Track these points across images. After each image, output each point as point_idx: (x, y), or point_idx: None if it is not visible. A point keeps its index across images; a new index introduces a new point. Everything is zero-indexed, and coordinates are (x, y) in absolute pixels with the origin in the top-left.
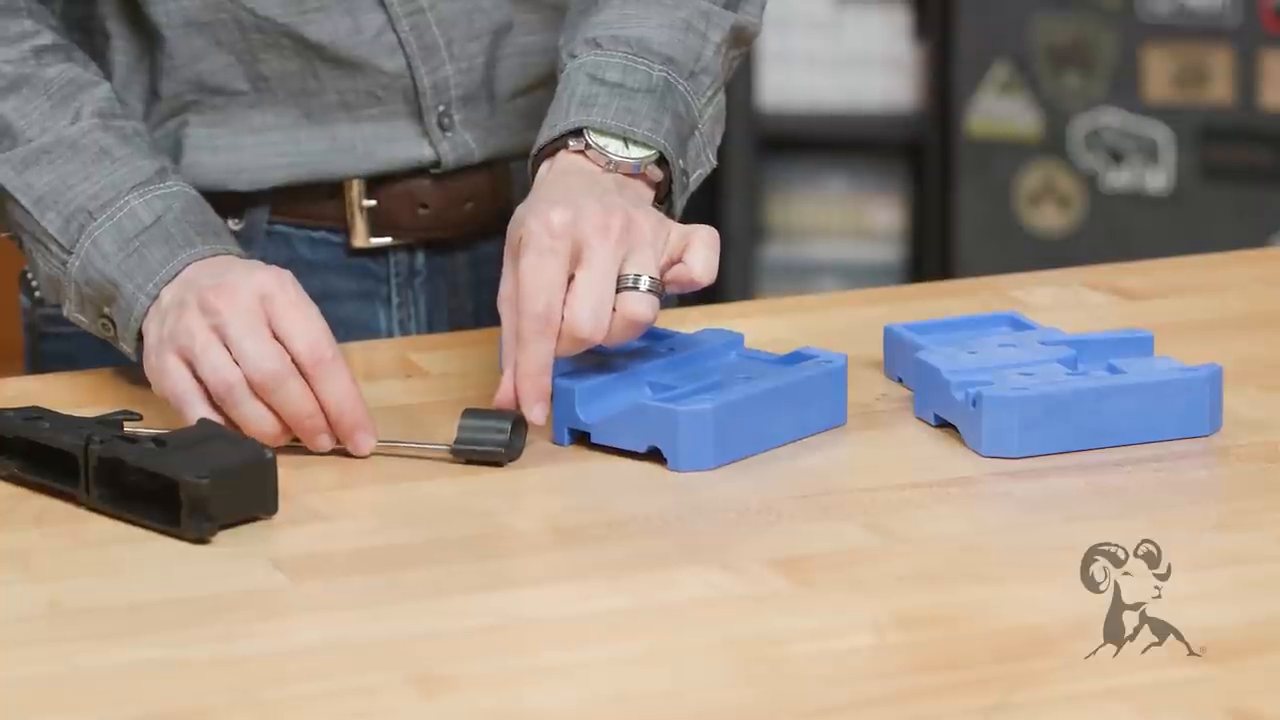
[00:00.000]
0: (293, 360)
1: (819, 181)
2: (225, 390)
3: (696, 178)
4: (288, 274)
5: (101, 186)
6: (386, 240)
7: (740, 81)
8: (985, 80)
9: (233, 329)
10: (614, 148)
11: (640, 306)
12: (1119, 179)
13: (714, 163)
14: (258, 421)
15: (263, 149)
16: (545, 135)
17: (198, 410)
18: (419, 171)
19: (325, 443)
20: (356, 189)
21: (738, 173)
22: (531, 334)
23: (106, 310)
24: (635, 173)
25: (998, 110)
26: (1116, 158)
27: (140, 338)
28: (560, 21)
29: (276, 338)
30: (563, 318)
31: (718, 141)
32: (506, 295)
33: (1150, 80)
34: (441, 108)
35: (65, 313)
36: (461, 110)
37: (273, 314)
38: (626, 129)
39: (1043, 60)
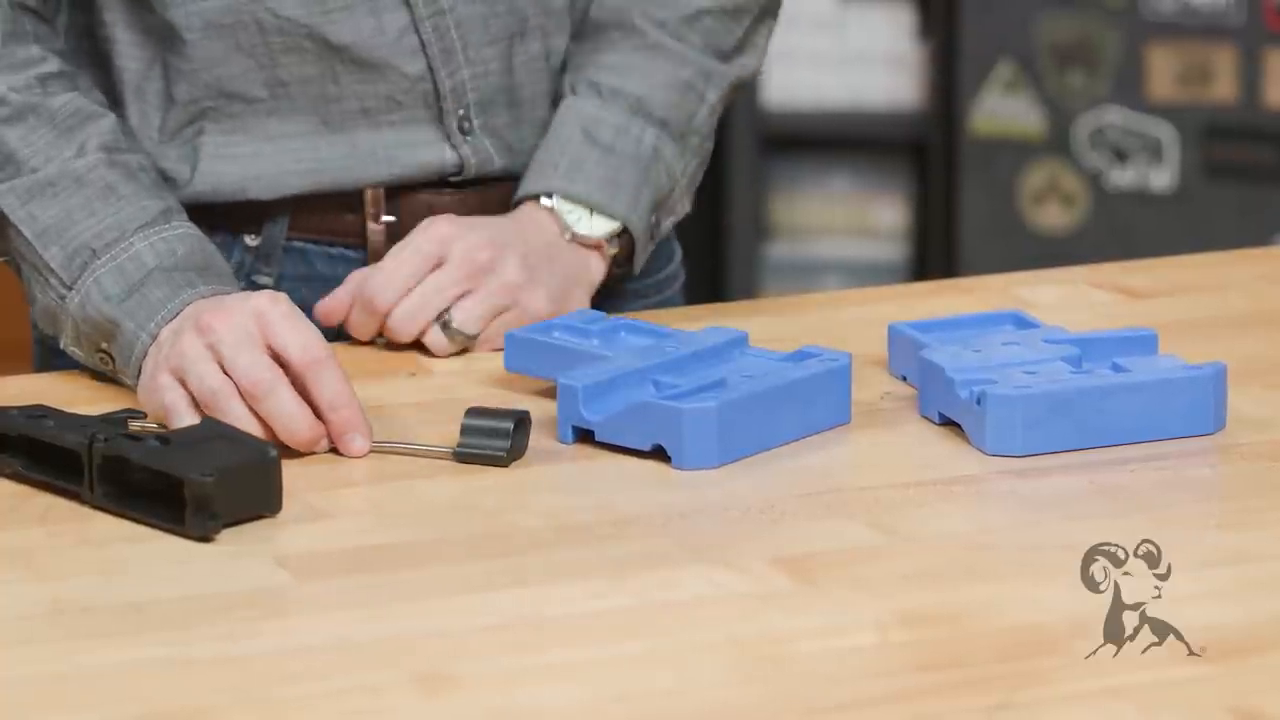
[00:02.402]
0: (288, 366)
1: (823, 180)
2: (209, 396)
3: (669, 224)
4: (282, 294)
5: (106, 225)
6: None
7: None
8: (989, 79)
9: (226, 346)
10: (575, 217)
11: (433, 341)
12: (1123, 178)
13: (688, 208)
14: (242, 426)
15: (281, 156)
16: (525, 187)
17: (185, 420)
18: (438, 184)
19: (321, 445)
20: (375, 203)
21: (742, 171)
22: (358, 325)
23: (104, 346)
24: (589, 244)
25: (1002, 109)
26: (1120, 156)
27: (141, 373)
28: (580, 28)
29: (273, 352)
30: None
31: (697, 182)
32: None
33: (1154, 79)
34: (461, 111)
35: (61, 345)
36: (480, 115)
37: (266, 329)
38: (602, 204)
39: (1046, 59)
